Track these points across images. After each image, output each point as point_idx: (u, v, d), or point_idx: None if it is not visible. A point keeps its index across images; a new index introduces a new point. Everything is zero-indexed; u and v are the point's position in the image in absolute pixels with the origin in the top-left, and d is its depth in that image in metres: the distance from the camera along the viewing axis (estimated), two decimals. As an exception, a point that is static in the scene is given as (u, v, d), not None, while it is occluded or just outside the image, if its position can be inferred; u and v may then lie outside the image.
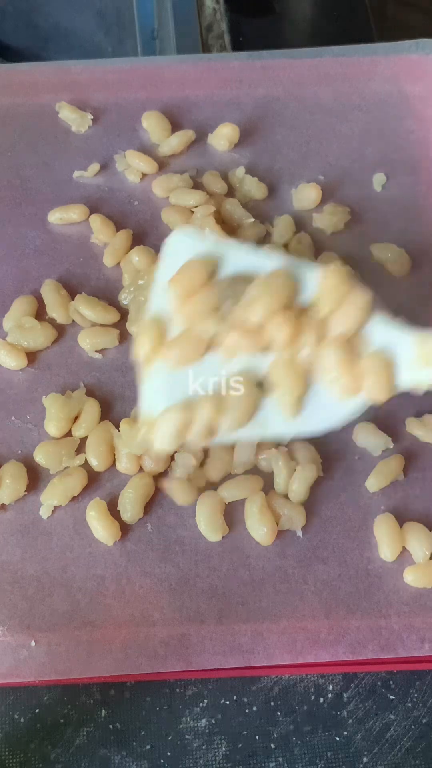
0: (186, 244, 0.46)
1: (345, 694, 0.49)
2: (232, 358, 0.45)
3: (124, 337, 0.56)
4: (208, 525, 0.50)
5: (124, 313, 0.57)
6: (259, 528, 0.50)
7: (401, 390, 0.44)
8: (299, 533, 0.51)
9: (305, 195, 0.62)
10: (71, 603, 0.49)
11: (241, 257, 0.46)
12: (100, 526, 0.50)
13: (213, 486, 0.52)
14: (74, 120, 0.65)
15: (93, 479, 0.52)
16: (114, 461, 0.52)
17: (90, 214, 0.60)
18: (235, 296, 0.45)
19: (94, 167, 0.63)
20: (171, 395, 0.45)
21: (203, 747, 0.47)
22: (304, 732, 0.48)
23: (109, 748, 0.47)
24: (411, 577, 0.50)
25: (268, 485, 0.52)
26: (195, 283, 0.45)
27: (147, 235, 0.60)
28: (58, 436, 0.53)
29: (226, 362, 0.45)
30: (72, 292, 0.58)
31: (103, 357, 0.56)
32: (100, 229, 0.60)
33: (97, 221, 0.60)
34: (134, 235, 0.60)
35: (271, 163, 0.64)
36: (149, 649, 0.47)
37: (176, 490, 0.51)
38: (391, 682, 0.49)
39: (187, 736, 0.47)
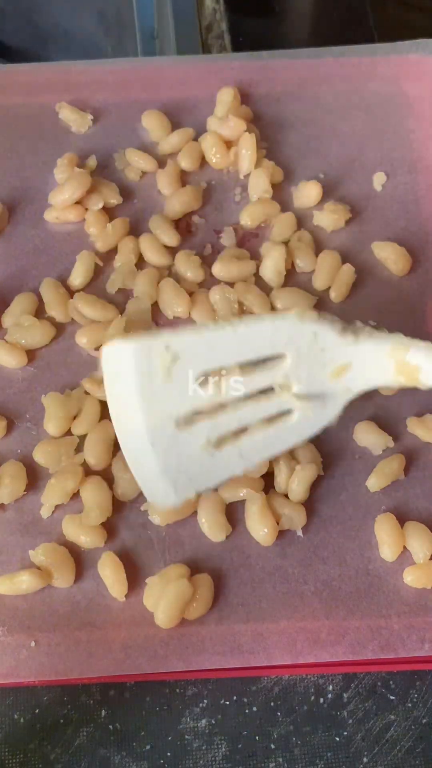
0: (123, 355, 0.42)
1: (345, 695, 0.49)
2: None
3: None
4: (211, 525, 0.50)
5: (122, 310, 0.57)
6: (259, 529, 0.50)
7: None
8: (299, 533, 0.51)
9: (306, 193, 0.62)
10: (71, 603, 0.49)
11: (192, 349, 0.43)
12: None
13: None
14: (74, 120, 0.65)
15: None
16: (112, 460, 0.52)
17: (87, 213, 0.60)
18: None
19: (92, 161, 0.63)
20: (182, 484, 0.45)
21: (203, 747, 0.47)
22: (304, 732, 0.47)
23: (108, 749, 0.47)
24: (411, 578, 0.49)
25: (267, 484, 0.52)
26: None
27: (146, 233, 0.60)
28: (57, 435, 0.53)
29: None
30: (71, 290, 0.58)
31: (103, 356, 0.56)
32: (96, 227, 0.60)
33: (93, 217, 0.60)
34: (134, 233, 0.60)
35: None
36: (149, 649, 0.47)
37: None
38: (391, 683, 0.49)
39: (187, 737, 0.47)
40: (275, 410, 0.45)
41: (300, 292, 0.58)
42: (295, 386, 0.45)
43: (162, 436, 0.43)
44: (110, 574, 0.48)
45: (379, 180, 0.63)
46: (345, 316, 0.58)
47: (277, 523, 0.50)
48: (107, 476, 0.52)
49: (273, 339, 0.43)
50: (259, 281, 0.59)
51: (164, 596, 0.47)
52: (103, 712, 0.48)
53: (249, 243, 0.61)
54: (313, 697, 0.48)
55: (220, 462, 0.45)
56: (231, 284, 0.58)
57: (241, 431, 0.45)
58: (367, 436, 0.53)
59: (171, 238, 0.59)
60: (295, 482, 0.51)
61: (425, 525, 0.51)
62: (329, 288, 0.59)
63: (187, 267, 0.58)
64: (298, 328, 0.43)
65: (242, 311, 0.57)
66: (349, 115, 0.66)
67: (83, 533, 0.50)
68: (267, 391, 0.45)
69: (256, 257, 0.60)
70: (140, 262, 0.59)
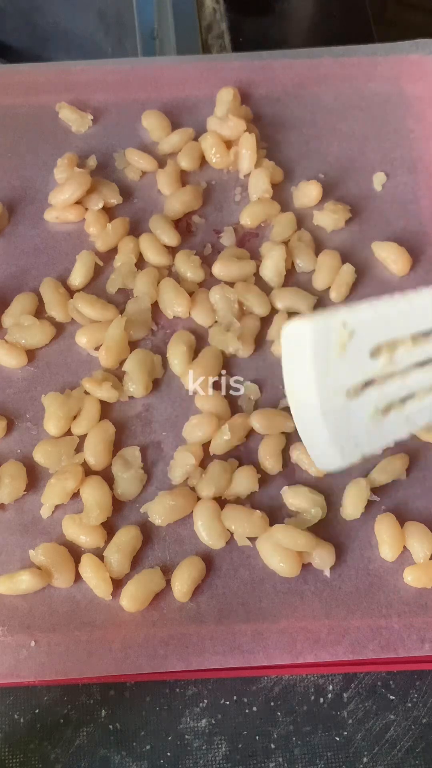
0: (302, 334, 0.43)
1: (345, 694, 0.49)
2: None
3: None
4: (209, 533, 0.50)
5: (122, 310, 0.57)
6: (279, 564, 0.49)
7: None
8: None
9: (306, 193, 0.62)
10: (71, 603, 0.49)
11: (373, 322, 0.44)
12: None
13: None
14: (74, 120, 0.65)
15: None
16: (112, 460, 0.52)
17: (87, 212, 0.60)
18: None
19: (92, 161, 0.63)
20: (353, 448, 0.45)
21: (203, 747, 0.47)
22: (304, 732, 0.47)
23: (109, 748, 0.47)
24: (411, 577, 0.49)
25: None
26: None
27: (146, 233, 0.60)
28: (57, 435, 0.53)
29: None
30: (71, 290, 0.58)
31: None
32: (96, 227, 0.60)
33: (93, 217, 0.60)
34: (134, 233, 0.60)
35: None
36: (149, 649, 0.47)
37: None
38: (391, 682, 0.49)
39: (187, 736, 0.47)
40: None
41: (300, 292, 0.58)
42: None
43: (333, 406, 0.44)
44: (92, 575, 0.48)
45: (379, 180, 0.63)
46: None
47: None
48: (107, 476, 0.52)
49: None
50: (259, 281, 0.59)
51: (134, 581, 0.48)
52: (103, 712, 0.48)
53: (249, 243, 0.61)
54: (313, 697, 0.48)
55: (386, 427, 0.46)
56: (231, 284, 0.58)
57: (408, 397, 0.46)
58: (368, 436, 0.53)
59: (171, 238, 0.59)
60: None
61: (425, 525, 0.51)
62: (329, 288, 0.59)
63: (187, 267, 0.58)
64: None
65: (242, 311, 0.57)
66: (349, 115, 0.66)
67: (83, 533, 0.50)
68: None
69: (256, 257, 0.60)
70: (140, 262, 0.59)
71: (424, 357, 0.45)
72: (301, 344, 0.43)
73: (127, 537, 0.50)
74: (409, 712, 0.48)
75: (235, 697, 0.48)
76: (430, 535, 0.50)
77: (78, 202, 0.61)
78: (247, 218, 0.61)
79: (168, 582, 0.49)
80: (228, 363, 0.56)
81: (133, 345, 0.56)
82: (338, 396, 0.44)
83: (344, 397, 0.44)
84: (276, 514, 0.51)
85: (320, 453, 0.46)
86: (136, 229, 0.61)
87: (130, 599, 0.48)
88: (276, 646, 0.48)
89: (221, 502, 0.51)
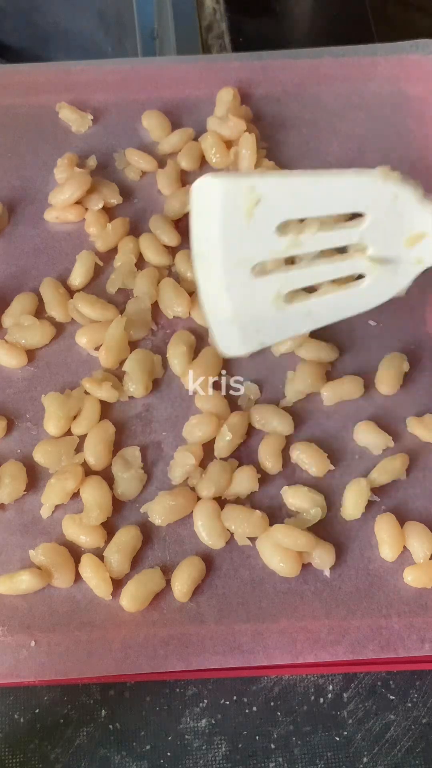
0: (211, 190, 0.42)
1: (345, 694, 0.49)
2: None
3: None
4: (210, 533, 0.50)
5: (122, 310, 0.57)
6: (279, 564, 0.49)
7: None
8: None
9: (305, 193, 0.62)
10: (71, 603, 0.49)
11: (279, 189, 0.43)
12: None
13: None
14: (74, 120, 0.65)
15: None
16: (112, 460, 0.52)
17: (87, 212, 0.60)
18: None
19: (92, 161, 0.63)
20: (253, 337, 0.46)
21: (203, 747, 0.47)
22: (304, 732, 0.47)
23: (108, 748, 0.47)
24: (411, 577, 0.49)
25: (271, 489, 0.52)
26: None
27: (146, 232, 0.60)
28: (57, 435, 0.53)
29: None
30: (71, 290, 0.58)
31: (103, 356, 0.56)
32: (96, 227, 0.60)
33: (93, 217, 0.60)
34: (134, 233, 0.60)
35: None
36: (149, 649, 0.47)
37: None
38: (391, 682, 0.49)
39: (187, 736, 0.47)
40: (348, 271, 0.45)
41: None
42: (370, 249, 0.45)
43: (237, 279, 0.44)
44: (92, 575, 0.48)
45: (379, 180, 0.63)
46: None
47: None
48: (107, 476, 0.52)
49: (354, 195, 0.44)
50: (259, 281, 0.59)
51: (134, 581, 0.48)
52: (103, 712, 0.48)
53: (249, 243, 0.61)
54: (313, 697, 0.48)
55: (288, 317, 0.45)
56: (231, 284, 0.58)
57: (312, 291, 0.46)
58: (367, 436, 0.53)
59: (171, 237, 0.59)
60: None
61: (425, 525, 0.51)
62: (329, 288, 0.58)
63: (187, 267, 0.58)
64: (380, 188, 0.44)
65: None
66: (349, 115, 0.66)
67: (83, 533, 0.50)
68: (341, 252, 0.45)
69: (256, 257, 0.60)
70: (140, 262, 0.59)
71: (329, 244, 0.44)
72: (210, 202, 0.43)
73: (127, 537, 0.50)
74: (409, 712, 0.48)
75: (235, 697, 0.48)
76: (430, 535, 0.50)
77: (78, 202, 0.61)
78: (247, 218, 0.61)
79: (168, 582, 0.49)
80: (228, 363, 0.56)
81: (133, 345, 0.56)
82: (243, 270, 0.44)
83: (249, 272, 0.44)
84: (276, 514, 0.51)
85: (222, 332, 0.47)
86: (136, 229, 0.61)
87: (130, 599, 0.48)
88: (276, 646, 0.48)
89: (221, 502, 0.51)
